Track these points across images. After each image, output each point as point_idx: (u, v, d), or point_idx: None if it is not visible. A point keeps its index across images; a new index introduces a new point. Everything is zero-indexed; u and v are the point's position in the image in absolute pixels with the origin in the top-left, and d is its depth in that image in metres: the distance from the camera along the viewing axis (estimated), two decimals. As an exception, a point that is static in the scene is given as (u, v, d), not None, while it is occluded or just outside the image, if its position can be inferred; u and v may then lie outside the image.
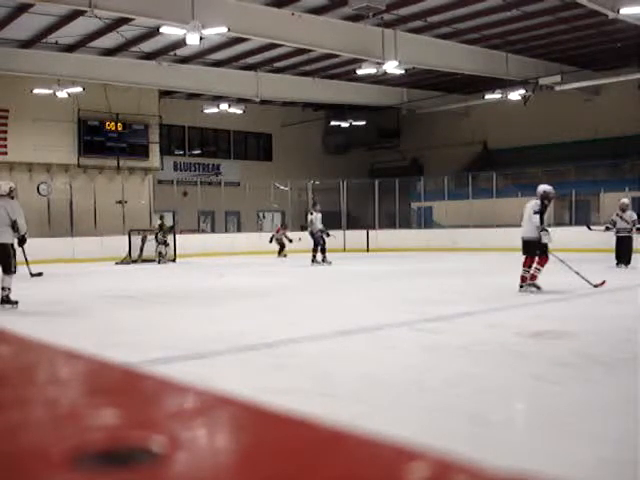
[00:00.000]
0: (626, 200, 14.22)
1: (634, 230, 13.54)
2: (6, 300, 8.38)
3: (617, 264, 13.68)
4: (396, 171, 29.73)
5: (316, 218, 16.72)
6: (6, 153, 22.02)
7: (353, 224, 26.90)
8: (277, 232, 22.44)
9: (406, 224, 27.55)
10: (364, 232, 25.79)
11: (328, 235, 16.94)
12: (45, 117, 22.33)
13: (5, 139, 21.99)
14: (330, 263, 16.66)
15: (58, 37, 18.83)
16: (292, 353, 5.27)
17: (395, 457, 0.47)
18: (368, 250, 25.10)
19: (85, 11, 15.30)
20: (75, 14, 16.67)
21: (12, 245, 8.36)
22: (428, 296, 9.21)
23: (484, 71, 21.92)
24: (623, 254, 13.61)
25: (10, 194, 8.53)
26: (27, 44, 19.38)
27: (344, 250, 25.58)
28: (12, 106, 21.82)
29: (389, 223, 26.88)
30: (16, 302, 8.45)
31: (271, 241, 21.77)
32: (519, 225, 10.23)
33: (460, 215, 24.96)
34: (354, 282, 12.29)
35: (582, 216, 22.47)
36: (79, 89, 20.89)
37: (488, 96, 23.56)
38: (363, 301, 8.87)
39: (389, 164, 32.13)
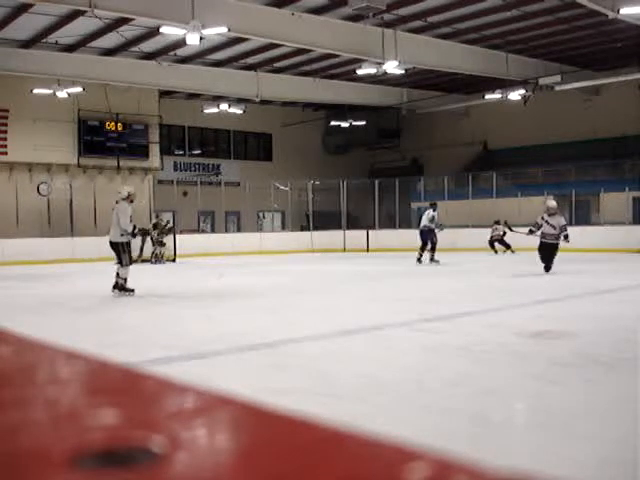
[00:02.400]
0: (554, 203, 12.59)
1: (561, 237, 12.04)
2: (122, 288, 9.66)
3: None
4: (396, 171, 29.73)
5: (426, 216, 16.72)
6: (6, 153, 22.02)
7: (353, 224, 26.91)
8: None
9: (406, 224, 27.55)
10: (364, 232, 25.80)
11: (442, 228, 16.85)
12: (45, 117, 22.33)
13: (5, 139, 21.99)
14: (438, 262, 16.39)
15: (58, 37, 18.84)
16: (292, 353, 5.27)
17: (395, 457, 0.47)
18: (368, 250, 25.11)
19: (85, 11, 15.31)
20: (75, 14, 16.68)
21: (122, 242, 9.68)
22: (428, 296, 9.21)
23: (484, 71, 21.93)
24: (545, 260, 12.13)
25: (128, 198, 9.87)
26: (27, 44, 19.39)
27: (344, 250, 25.59)
28: (12, 106, 21.83)
29: (389, 223, 26.88)
30: (132, 290, 9.66)
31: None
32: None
33: (460, 215, 24.95)
34: (354, 282, 12.29)
35: (582, 216, 22.49)
36: (79, 89, 20.89)
37: (488, 96, 23.56)
38: (363, 301, 8.87)
39: (389, 164, 32.13)
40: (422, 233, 16.52)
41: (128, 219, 9.66)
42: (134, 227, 9.85)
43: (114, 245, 9.74)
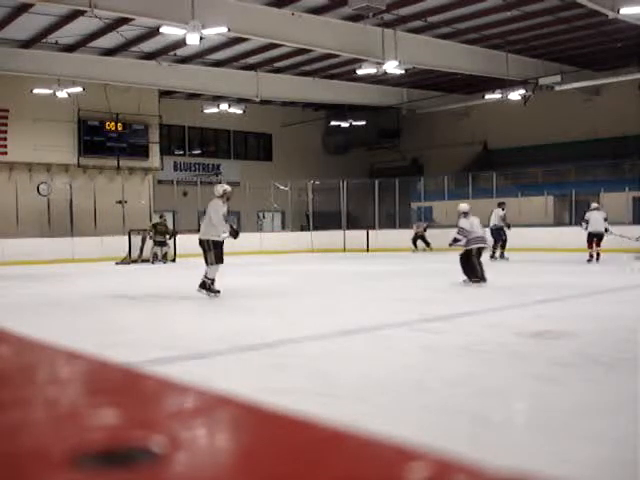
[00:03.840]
0: (466, 205, 11.36)
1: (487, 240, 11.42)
2: (208, 288, 9.37)
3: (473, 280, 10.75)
4: (396, 171, 29.73)
5: (495, 215, 16.97)
6: (6, 153, 22.03)
7: (353, 224, 26.89)
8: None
9: (406, 224, 27.54)
10: (364, 232, 25.80)
11: (509, 227, 17.03)
12: (45, 117, 22.34)
13: (5, 139, 22.00)
14: (507, 259, 16.64)
15: (58, 37, 18.83)
16: (292, 353, 5.27)
17: (395, 457, 0.47)
18: (368, 250, 25.11)
19: (85, 11, 15.31)
20: (75, 14, 16.68)
21: (210, 240, 9.38)
22: (428, 296, 9.21)
23: (484, 71, 21.93)
24: (471, 271, 10.80)
25: (224, 195, 9.63)
26: (27, 44, 19.39)
27: (344, 250, 25.58)
28: (12, 106, 21.83)
29: (389, 223, 26.87)
30: (218, 291, 9.39)
31: None
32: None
33: (460, 215, 24.92)
34: (354, 282, 12.29)
35: (582, 216, 22.45)
36: (79, 89, 20.89)
37: (488, 96, 23.56)
38: (363, 301, 8.87)
39: (389, 164, 32.13)
40: (492, 232, 16.62)
41: (221, 217, 9.39)
42: (231, 226, 9.67)
43: (201, 243, 9.48)
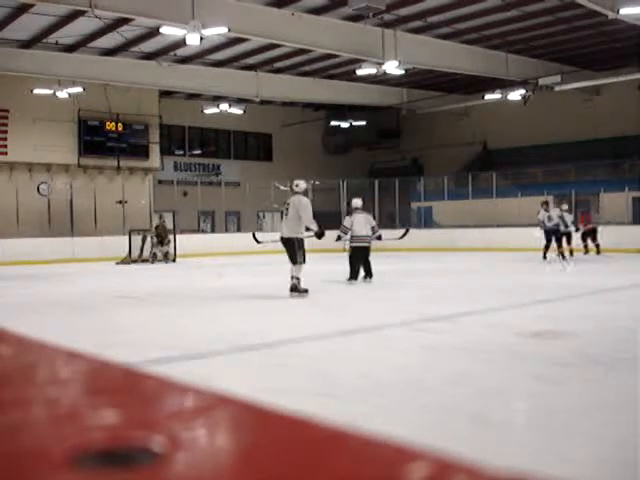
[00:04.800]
0: (358, 201, 11.26)
1: (373, 238, 11.11)
2: (294, 289, 9.04)
3: (363, 277, 11.12)
4: (396, 171, 29.73)
5: (556, 213, 16.78)
6: (6, 153, 22.02)
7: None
8: None
9: (406, 224, 27.53)
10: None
11: (566, 227, 16.88)
12: (45, 117, 22.34)
13: (5, 139, 21.99)
14: (568, 257, 16.45)
15: (58, 37, 18.83)
16: (292, 353, 5.27)
17: (395, 457, 0.47)
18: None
19: (85, 11, 15.30)
20: (75, 14, 16.68)
21: (298, 239, 9.06)
22: (428, 296, 9.21)
23: (484, 71, 21.93)
24: (365, 268, 11.15)
25: (306, 192, 9.42)
26: (27, 44, 19.39)
27: (344, 250, 25.53)
28: (12, 106, 21.83)
29: (389, 223, 26.87)
30: (306, 290, 9.04)
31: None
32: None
33: (460, 215, 24.96)
34: (354, 282, 12.27)
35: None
36: (79, 89, 20.89)
37: (488, 96, 23.56)
38: (363, 301, 8.86)
39: (389, 164, 32.13)
40: (548, 232, 16.45)
41: (311, 214, 9.07)
42: (319, 226, 9.28)
43: (288, 241, 9.07)
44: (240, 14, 16.68)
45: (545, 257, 16.41)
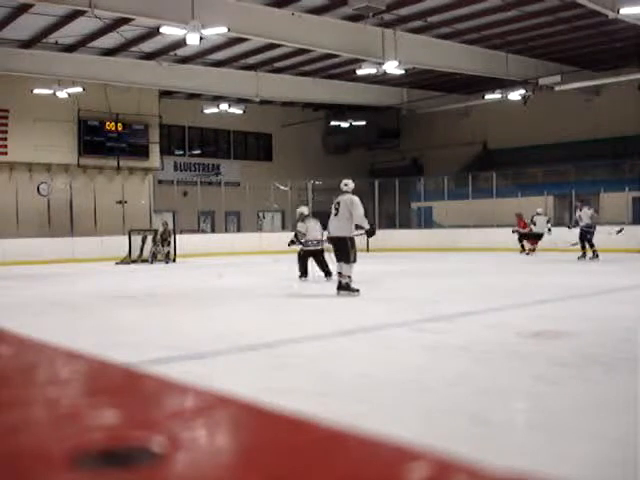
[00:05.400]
0: (305, 209, 11.87)
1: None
2: (347, 287, 9.00)
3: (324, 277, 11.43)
4: (396, 171, 29.73)
5: (585, 214, 16.82)
6: (6, 153, 22.02)
7: (353, 224, 26.84)
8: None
9: (406, 224, 27.54)
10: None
11: (594, 228, 16.96)
12: (45, 117, 22.34)
13: (5, 139, 21.99)
14: (597, 257, 16.45)
15: (58, 37, 18.84)
16: (292, 353, 5.27)
17: (395, 457, 0.47)
18: (368, 250, 25.08)
19: (85, 11, 15.30)
20: (75, 14, 16.68)
21: (350, 237, 9.08)
22: (428, 296, 9.21)
23: (484, 71, 21.93)
24: (322, 268, 11.52)
25: (353, 192, 9.37)
26: (27, 44, 19.39)
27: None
28: (12, 106, 21.83)
29: (389, 223, 26.87)
30: (357, 290, 8.97)
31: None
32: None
33: (460, 215, 24.96)
34: (354, 282, 12.27)
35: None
36: (79, 89, 20.89)
37: (488, 96, 23.56)
38: (363, 301, 8.86)
39: (389, 164, 32.13)
40: (583, 232, 16.63)
41: (363, 212, 9.09)
42: (371, 224, 9.37)
43: (339, 240, 9.06)
44: (240, 14, 16.68)
45: (584, 256, 16.70)
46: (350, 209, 8.98)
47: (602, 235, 16.84)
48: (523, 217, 20.71)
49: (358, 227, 9.27)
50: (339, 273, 9.09)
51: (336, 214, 9.12)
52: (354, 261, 9.02)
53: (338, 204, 9.16)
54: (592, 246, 16.57)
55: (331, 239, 9.23)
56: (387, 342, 5.67)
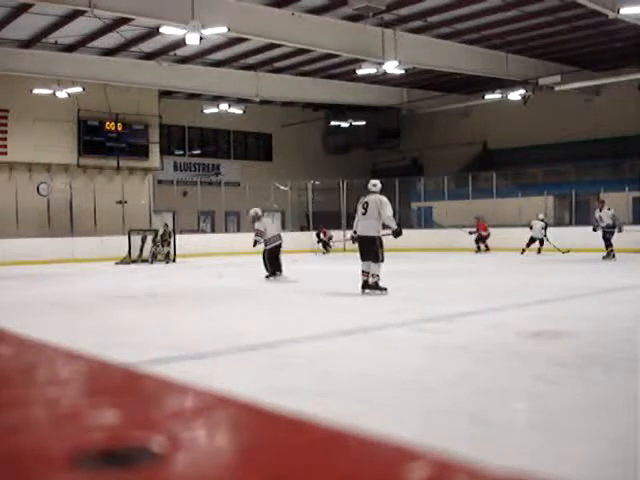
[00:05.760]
0: (257, 210, 12.22)
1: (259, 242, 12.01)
2: (374, 286, 9.12)
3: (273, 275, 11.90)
4: (396, 171, 29.73)
5: (605, 215, 16.92)
6: (6, 153, 22.03)
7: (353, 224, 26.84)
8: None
9: (406, 224, 27.53)
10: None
11: (620, 230, 16.94)
12: (45, 117, 22.34)
13: (5, 139, 22.00)
14: (614, 257, 16.52)
15: (58, 37, 18.84)
16: (292, 353, 5.27)
17: (395, 457, 0.47)
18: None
19: (85, 11, 15.31)
20: (75, 14, 16.68)
21: (379, 237, 9.19)
22: (428, 296, 9.21)
23: (484, 71, 21.93)
24: (274, 266, 11.94)
25: (381, 192, 9.48)
26: (27, 44, 19.39)
27: (344, 250, 25.55)
28: (12, 106, 21.83)
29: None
30: (385, 289, 9.09)
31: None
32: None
33: (460, 215, 24.96)
34: (354, 282, 12.28)
35: (582, 216, 22.49)
36: (79, 89, 20.89)
37: (488, 96, 23.56)
38: (363, 301, 8.86)
39: (389, 164, 32.13)
40: (605, 232, 16.72)
41: (392, 213, 9.25)
42: (398, 224, 9.54)
43: (368, 239, 9.15)
44: (240, 14, 16.68)
45: (613, 256, 16.71)
46: (379, 209, 9.10)
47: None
48: (482, 220, 21.73)
49: (385, 227, 9.44)
50: (365, 272, 9.20)
51: (364, 214, 9.22)
52: (382, 260, 9.13)
53: (367, 204, 9.24)
54: (610, 246, 16.64)
55: (359, 238, 9.32)
56: (387, 342, 5.67)
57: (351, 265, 17.44)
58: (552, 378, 4.16)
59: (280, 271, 11.80)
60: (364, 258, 9.23)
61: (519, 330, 5.89)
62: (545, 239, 19.70)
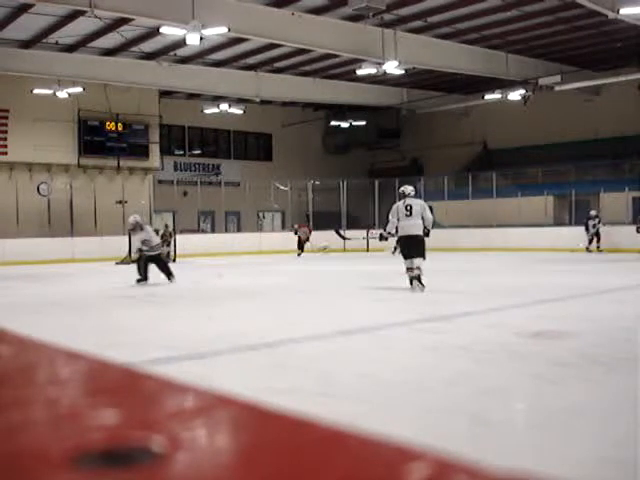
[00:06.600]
0: (137, 217, 12.33)
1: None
2: (419, 279, 9.58)
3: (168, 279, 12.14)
4: (396, 171, 29.72)
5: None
6: (6, 153, 22.03)
7: (353, 224, 26.89)
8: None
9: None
10: (364, 232, 25.82)
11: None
12: (45, 117, 22.34)
13: (5, 139, 22.00)
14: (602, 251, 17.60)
15: (58, 37, 18.84)
16: (292, 353, 5.27)
17: (395, 457, 0.47)
18: (368, 250, 25.11)
19: (85, 11, 15.31)
20: (75, 14, 16.69)
21: (423, 237, 9.78)
22: (428, 296, 9.20)
23: (484, 71, 21.93)
24: (165, 271, 12.22)
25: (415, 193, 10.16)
26: (27, 44, 19.39)
27: (344, 250, 25.58)
28: (12, 106, 21.83)
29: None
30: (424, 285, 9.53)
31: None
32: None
33: (460, 215, 24.96)
34: (354, 282, 12.28)
35: (582, 216, 22.49)
36: (79, 89, 20.90)
37: (488, 96, 23.56)
38: (363, 301, 8.86)
39: (389, 164, 32.13)
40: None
41: (429, 213, 9.88)
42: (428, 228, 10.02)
43: (418, 238, 9.72)
44: (240, 14, 16.68)
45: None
46: (422, 212, 9.81)
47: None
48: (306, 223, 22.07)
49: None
50: (410, 269, 9.68)
51: (409, 215, 9.77)
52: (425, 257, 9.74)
53: (410, 207, 9.82)
54: (590, 242, 16.89)
55: (408, 237, 9.78)
56: (387, 342, 5.67)
57: (350, 265, 17.45)
58: (552, 378, 4.16)
59: (146, 279, 11.76)
60: (409, 255, 9.73)
61: (519, 330, 5.89)
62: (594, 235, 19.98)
